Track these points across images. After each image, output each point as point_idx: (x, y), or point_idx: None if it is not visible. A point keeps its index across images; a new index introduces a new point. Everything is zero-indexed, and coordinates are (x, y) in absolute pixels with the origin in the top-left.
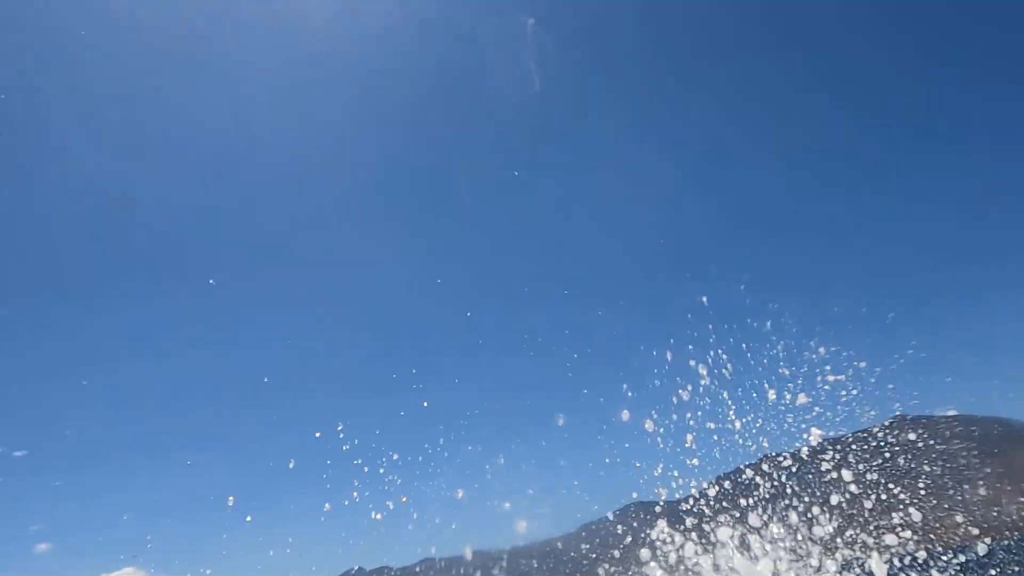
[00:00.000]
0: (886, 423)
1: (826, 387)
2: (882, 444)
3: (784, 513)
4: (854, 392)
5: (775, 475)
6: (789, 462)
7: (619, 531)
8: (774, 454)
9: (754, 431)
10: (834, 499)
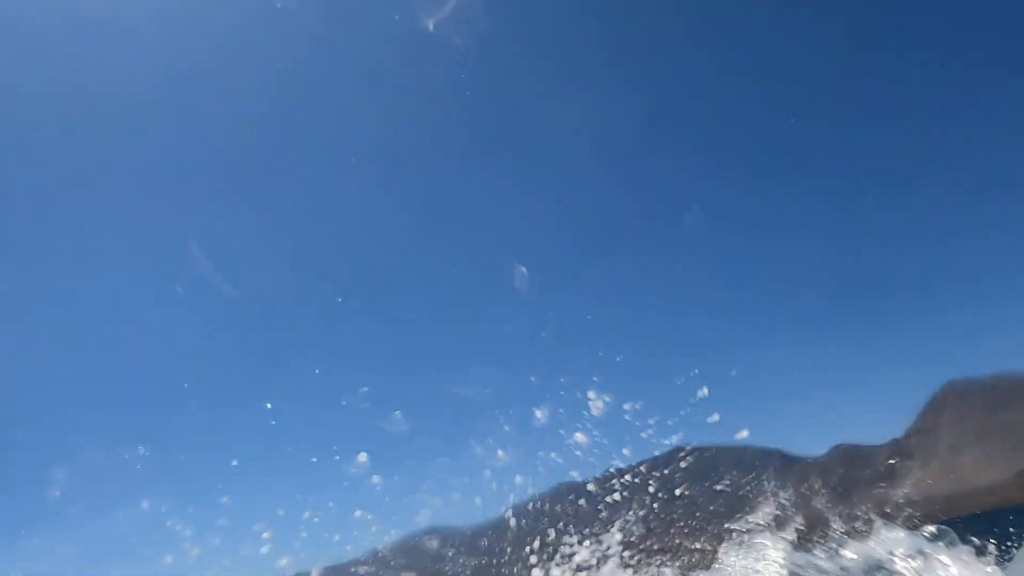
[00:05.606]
0: (665, 453)
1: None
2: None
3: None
4: (650, 424)
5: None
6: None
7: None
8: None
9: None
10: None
